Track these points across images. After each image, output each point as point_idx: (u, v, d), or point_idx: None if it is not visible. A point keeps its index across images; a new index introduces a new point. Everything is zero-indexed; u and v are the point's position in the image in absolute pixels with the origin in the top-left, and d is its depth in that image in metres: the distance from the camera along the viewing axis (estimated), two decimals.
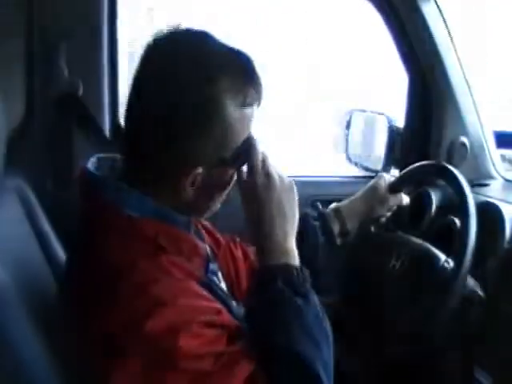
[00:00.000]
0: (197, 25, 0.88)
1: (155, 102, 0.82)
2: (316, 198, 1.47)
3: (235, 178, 0.91)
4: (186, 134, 0.82)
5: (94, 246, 0.83)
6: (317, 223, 1.20)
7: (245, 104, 0.85)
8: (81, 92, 1.32)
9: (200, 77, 0.82)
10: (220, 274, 1.00)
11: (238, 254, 1.14)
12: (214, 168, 0.85)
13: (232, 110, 0.83)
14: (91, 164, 0.89)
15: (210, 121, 0.82)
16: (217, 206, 0.93)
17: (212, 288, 0.87)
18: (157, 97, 0.82)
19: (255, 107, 0.88)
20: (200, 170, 0.83)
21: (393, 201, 1.27)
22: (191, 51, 0.84)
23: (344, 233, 1.23)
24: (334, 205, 1.25)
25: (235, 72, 0.84)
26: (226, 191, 0.92)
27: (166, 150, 0.82)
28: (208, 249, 0.94)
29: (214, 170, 0.86)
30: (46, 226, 1.07)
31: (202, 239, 0.99)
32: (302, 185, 1.63)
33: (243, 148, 0.87)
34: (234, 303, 0.97)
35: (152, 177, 0.85)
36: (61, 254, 1.07)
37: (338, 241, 1.22)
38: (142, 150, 0.85)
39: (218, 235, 1.11)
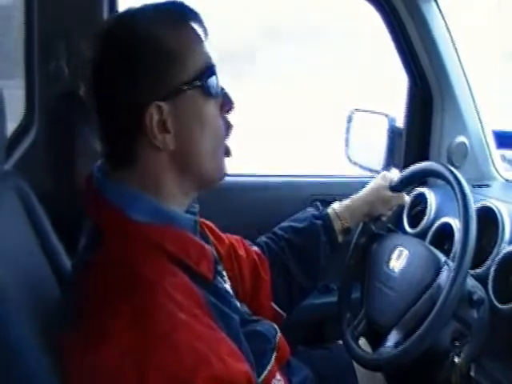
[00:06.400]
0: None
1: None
2: (316, 198, 1.46)
3: (211, 107, 0.84)
4: (124, 75, 0.79)
5: (99, 254, 0.80)
6: (319, 221, 1.20)
7: (176, 22, 0.82)
8: (81, 92, 1.32)
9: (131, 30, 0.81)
10: (225, 274, 0.99)
11: (242, 252, 1.12)
12: (173, 99, 0.81)
13: (162, 31, 0.80)
14: (96, 168, 0.87)
15: (141, 49, 0.79)
16: (213, 150, 0.86)
17: (220, 292, 0.86)
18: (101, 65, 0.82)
19: (199, 31, 0.84)
20: (155, 105, 0.79)
21: (394, 200, 1.27)
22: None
23: (345, 231, 1.23)
24: (336, 203, 1.25)
25: (163, 11, 0.83)
26: (211, 125, 0.85)
27: (114, 104, 0.81)
28: (214, 250, 0.92)
29: (177, 101, 0.81)
30: (46, 226, 1.07)
31: (207, 241, 0.97)
32: (302, 184, 1.65)
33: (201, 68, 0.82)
34: (237, 304, 0.97)
35: (129, 152, 0.81)
36: (61, 253, 1.06)
37: (340, 238, 1.22)
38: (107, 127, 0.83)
39: (222, 234, 1.11)
